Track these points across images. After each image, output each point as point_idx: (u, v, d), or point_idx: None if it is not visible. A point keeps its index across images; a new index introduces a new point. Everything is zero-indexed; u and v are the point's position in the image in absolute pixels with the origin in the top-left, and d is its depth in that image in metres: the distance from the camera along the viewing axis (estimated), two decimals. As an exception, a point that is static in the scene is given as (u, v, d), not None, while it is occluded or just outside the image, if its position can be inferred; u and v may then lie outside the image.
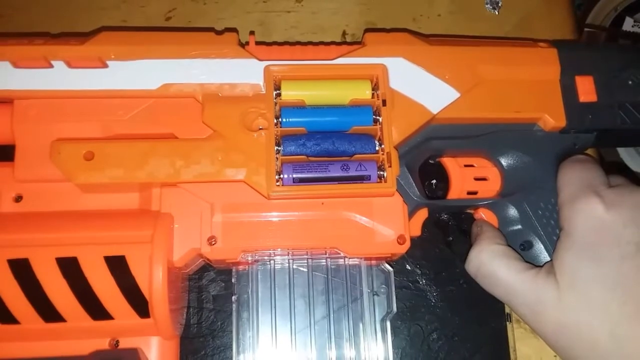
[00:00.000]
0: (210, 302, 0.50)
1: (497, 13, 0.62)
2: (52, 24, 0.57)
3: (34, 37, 0.46)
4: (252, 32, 0.48)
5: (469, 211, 0.51)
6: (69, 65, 0.45)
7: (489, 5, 0.62)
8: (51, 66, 0.44)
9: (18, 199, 0.44)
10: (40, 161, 0.44)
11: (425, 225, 0.47)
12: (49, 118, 0.45)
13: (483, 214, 0.49)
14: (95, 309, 0.40)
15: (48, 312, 0.39)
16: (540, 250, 0.47)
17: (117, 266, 0.40)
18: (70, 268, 0.39)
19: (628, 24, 1.17)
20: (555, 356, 0.50)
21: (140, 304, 0.40)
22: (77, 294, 0.39)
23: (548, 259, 0.46)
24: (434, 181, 0.53)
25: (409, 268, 0.52)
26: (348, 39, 0.60)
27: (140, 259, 0.40)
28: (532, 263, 0.46)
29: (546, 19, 0.62)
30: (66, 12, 0.59)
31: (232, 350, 0.47)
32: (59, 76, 0.45)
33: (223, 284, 0.50)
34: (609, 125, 0.50)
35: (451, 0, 0.62)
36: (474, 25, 0.61)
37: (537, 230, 0.47)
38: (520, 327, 0.51)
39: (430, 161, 0.51)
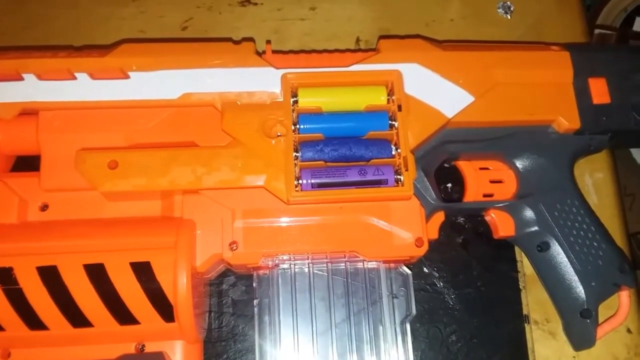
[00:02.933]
0: (231, 307, 0.50)
1: (509, 17, 0.62)
2: (72, 34, 0.58)
3: (57, 50, 0.47)
4: (268, 41, 0.49)
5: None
6: (92, 76, 0.46)
7: (501, 10, 0.62)
8: (75, 78, 0.46)
9: (44, 207, 0.45)
10: (65, 170, 0.45)
11: (442, 228, 0.48)
12: (73, 128, 0.46)
13: (494, 214, 0.50)
14: (122, 314, 0.41)
15: (76, 317, 0.40)
16: (558, 252, 0.47)
17: (143, 272, 0.41)
18: (97, 274, 0.40)
19: (638, 25, 1.17)
20: (574, 357, 0.50)
21: (165, 309, 0.41)
22: (104, 299, 0.40)
23: (566, 260, 0.47)
24: (449, 185, 0.54)
25: (427, 271, 0.52)
26: (362, 46, 0.60)
27: (165, 265, 0.41)
28: (549, 264, 0.47)
29: (558, 23, 0.62)
30: (86, 23, 0.60)
31: (253, 353, 0.48)
32: (83, 87, 0.46)
33: (243, 289, 0.51)
34: (623, 126, 0.50)
35: (463, 5, 0.63)
36: (486, 29, 0.62)
37: (554, 231, 0.47)
38: (538, 328, 0.51)
39: (445, 165, 0.51)
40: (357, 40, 0.61)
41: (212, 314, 0.50)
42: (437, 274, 0.52)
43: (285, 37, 0.60)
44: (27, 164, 0.49)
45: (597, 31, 1.09)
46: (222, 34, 0.60)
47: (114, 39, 0.57)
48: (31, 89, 0.45)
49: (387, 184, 0.45)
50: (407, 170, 0.44)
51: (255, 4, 0.62)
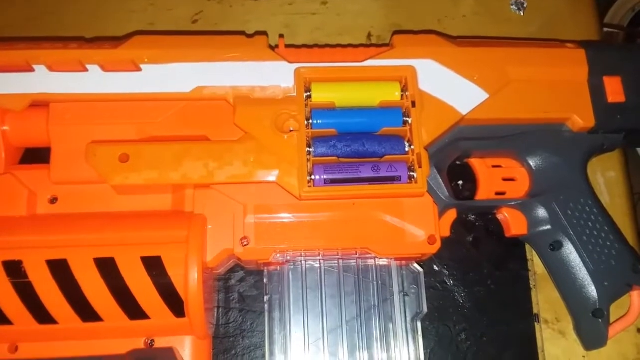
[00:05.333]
0: (239, 302, 0.50)
1: (522, 14, 0.62)
2: (82, 26, 0.58)
3: (69, 42, 0.47)
4: (281, 36, 0.48)
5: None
6: (104, 69, 0.45)
7: (514, 6, 0.62)
8: (86, 70, 0.45)
9: (53, 200, 0.45)
10: (75, 163, 0.44)
11: (453, 226, 0.47)
12: (84, 121, 0.45)
13: (507, 213, 0.49)
14: (132, 309, 0.40)
15: (86, 312, 0.40)
16: (571, 251, 0.47)
17: (154, 266, 0.40)
18: (107, 268, 0.40)
19: (645, 26, 1.17)
20: (584, 357, 0.50)
21: (176, 304, 0.40)
22: (115, 294, 0.40)
23: (578, 259, 0.46)
24: (460, 182, 0.54)
25: (437, 269, 0.52)
26: (373, 41, 0.60)
27: (176, 260, 0.40)
28: (562, 263, 0.47)
29: (571, 20, 0.62)
30: (95, 14, 0.59)
31: (262, 349, 0.48)
32: (94, 80, 0.45)
33: (251, 284, 0.50)
34: (638, 125, 0.50)
35: (476, 1, 0.62)
36: (499, 26, 0.61)
37: (567, 230, 0.47)
38: (548, 327, 0.51)
39: (457, 162, 0.51)
40: (369, 36, 0.60)
41: (220, 310, 0.50)
42: (447, 272, 0.52)
43: (296, 31, 0.60)
44: (34, 156, 0.49)
45: (604, 30, 1.09)
46: (232, 27, 0.60)
47: (123, 31, 0.57)
48: (42, 81, 0.45)
49: (400, 180, 0.44)
50: (420, 167, 0.44)
51: (266, -3, 0.61)
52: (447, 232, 0.47)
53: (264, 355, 0.48)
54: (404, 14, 0.62)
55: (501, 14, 0.62)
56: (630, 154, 0.96)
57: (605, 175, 0.56)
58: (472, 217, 0.53)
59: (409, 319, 0.45)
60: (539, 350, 0.50)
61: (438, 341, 0.50)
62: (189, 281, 0.40)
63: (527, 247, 0.53)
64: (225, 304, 0.50)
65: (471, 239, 0.53)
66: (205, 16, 0.60)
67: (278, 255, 0.44)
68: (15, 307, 0.39)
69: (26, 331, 0.41)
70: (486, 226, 0.53)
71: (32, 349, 0.42)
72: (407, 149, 0.45)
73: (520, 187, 0.50)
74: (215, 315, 0.49)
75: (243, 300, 0.50)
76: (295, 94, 0.46)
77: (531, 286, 0.52)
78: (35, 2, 0.60)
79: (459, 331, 0.50)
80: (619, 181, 0.56)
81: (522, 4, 0.62)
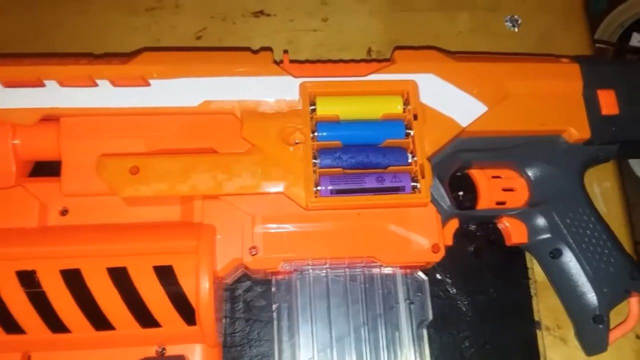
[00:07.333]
0: (245, 312, 0.51)
1: (516, 30, 0.64)
2: (88, 43, 0.59)
3: (79, 57, 0.48)
4: (285, 51, 0.50)
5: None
6: (113, 84, 0.46)
7: (508, 23, 0.64)
8: (96, 85, 0.46)
9: (64, 212, 0.46)
10: (85, 176, 0.45)
11: (454, 236, 0.49)
12: (94, 134, 0.46)
13: (507, 222, 0.51)
14: (144, 317, 0.41)
15: (99, 320, 0.41)
16: (570, 258, 0.48)
17: (165, 275, 0.41)
18: (120, 277, 0.41)
19: (635, 40, 1.19)
20: (584, 363, 0.51)
21: (187, 312, 0.41)
22: (127, 302, 0.41)
23: (578, 266, 0.48)
24: (460, 193, 0.55)
25: (439, 277, 0.53)
26: (373, 56, 0.61)
27: (187, 268, 0.41)
28: (562, 271, 0.48)
29: (564, 36, 0.64)
30: (101, 31, 0.61)
31: (269, 358, 0.49)
32: (104, 94, 0.46)
33: (258, 294, 0.51)
34: (632, 136, 0.51)
35: (471, 18, 0.64)
36: (494, 42, 0.63)
37: (566, 238, 0.48)
38: (549, 334, 0.52)
39: (458, 173, 0.52)
40: (369, 51, 0.62)
41: (227, 319, 0.50)
42: (450, 281, 0.53)
43: (298, 47, 0.62)
44: (45, 169, 0.49)
45: (596, 45, 1.11)
46: (236, 44, 0.61)
47: (128, 48, 0.58)
48: (53, 96, 0.46)
49: (404, 190, 0.45)
50: (423, 177, 0.45)
51: (269, 15, 0.63)
52: (449, 241, 0.48)
53: (271, 364, 0.49)
54: (402, 30, 0.63)
55: (496, 31, 0.64)
56: (624, 165, 0.98)
57: (601, 186, 0.58)
58: (473, 227, 0.55)
59: (414, 326, 0.46)
60: (541, 357, 0.51)
61: (442, 348, 0.51)
62: (200, 289, 0.41)
63: (527, 255, 0.54)
64: (232, 314, 0.51)
65: (472, 249, 0.54)
66: (208, 33, 0.62)
67: (285, 265, 0.45)
68: (28, 316, 0.40)
69: (39, 340, 0.41)
70: (487, 236, 0.54)
71: (44, 358, 0.42)
72: (409, 160, 0.46)
73: (520, 196, 0.51)
74: (223, 324, 0.50)
75: (249, 309, 0.51)
76: (300, 107, 0.47)
77: (532, 294, 0.53)
78: (41, 19, 0.61)
79: (462, 339, 0.51)
80: (614, 191, 0.58)
81: (517, 20, 0.64)
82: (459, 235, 0.50)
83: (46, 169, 0.49)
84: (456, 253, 0.53)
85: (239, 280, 0.51)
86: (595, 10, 1.16)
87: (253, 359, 0.49)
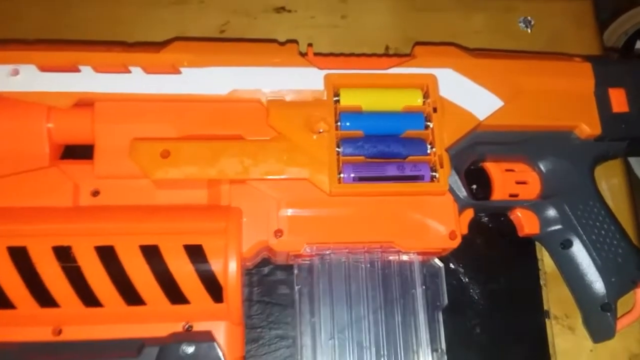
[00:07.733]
0: (264, 295, 0.52)
1: (529, 31, 0.66)
2: (118, 34, 0.61)
3: (112, 45, 0.50)
4: (310, 44, 0.52)
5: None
6: (146, 71, 0.48)
7: (522, 24, 0.66)
8: (129, 72, 0.48)
9: (95, 193, 0.48)
10: (117, 159, 0.47)
11: (468, 227, 0.50)
12: (127, 119, 0.48)
13: (520, 213, 0.52)
14: (174, 294, 0.43)
15: (130, 295, 0.42)
16: (580, 249, 0.50)
17: (195, 254, 0.43)
18: (152, 255, 0.42)
19: (639, 47, 1.21)
20: (591, 350, 0.53)
21: (215, 290, 0.43)
22: (158, 279, 0.42)
23: (587, 257, 0.50)
24: (474, 186, 0.57)
25: (453, 267, 0.55)
26: (391, 52, 0.63)
27: (216, 248, 0.43)
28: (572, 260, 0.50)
29: (575, 37, 0.66)
30: (129, 23, 0.62)
31: (288, 340, 0.50)
32: (136, 81, 0.48)
33: (277, 279, 0.53)
34: (640, 134, 0.53)
35: (486, 19, 0.66)
36: (508, 42, 0.65)
37: (577, 229, 0.50)
38: (558, 323, 0.54)
39: (472, 167, 0.54)
40: (387, 48, 0.64)
41: (247, 303, 0.52)
42: (462, 270, 0.55)
43: (319, 42, 0.63)
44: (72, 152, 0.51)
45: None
46: (258, 38, 0.63)
47: (155, 39, 0.59)
48: (88, 81, 0.48)
49: (423, 179, 0.47)
50: (442, 167, 0.47)
51: (290, 11, 0.65)
52: (465, 230, 0.50)
53: (290, 345, 0.50)
54: (419, 29, 0.65)
55: (510, 31, 0.66)
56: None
57: (609, 182, 0.60)
58: (485, 219, 0.56)
59: (430, 310, 0.48)
60: (550, 345, 0.53)
61: (454, 335, 0.52)
62: (229, 268, 0.43)
63: (537, 246, 0.56)
64: (253, 297, 0.52)
65: (485, 240, 0.56)
66: (231, 27, 0.64)
67: (308, 248, 0.47)
68: (63, 290, 0.42)
69: (72, 314, 0.43)
70: (498, 228, 0.56)
71: (75, 331, 0.44)
72: (429, 151, 0.48)
73: (532, 189, 0.53)
74: (243, 306, 0.51)
75: (269, 293, 0.53)
76: (325, 98, 0.49)
77: (541, 284, 0.55)
78: (73, 10, 0.62)
79: (473, 325, 0.53)
80: (621, 187, 0.60)
81: (530, 21, 0.66)
82: (471, 227, 0.52)
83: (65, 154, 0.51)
84: (469, 244, 0.55)
85: (258, 265, 0.53)
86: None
87: (272, 340, 0.51)
